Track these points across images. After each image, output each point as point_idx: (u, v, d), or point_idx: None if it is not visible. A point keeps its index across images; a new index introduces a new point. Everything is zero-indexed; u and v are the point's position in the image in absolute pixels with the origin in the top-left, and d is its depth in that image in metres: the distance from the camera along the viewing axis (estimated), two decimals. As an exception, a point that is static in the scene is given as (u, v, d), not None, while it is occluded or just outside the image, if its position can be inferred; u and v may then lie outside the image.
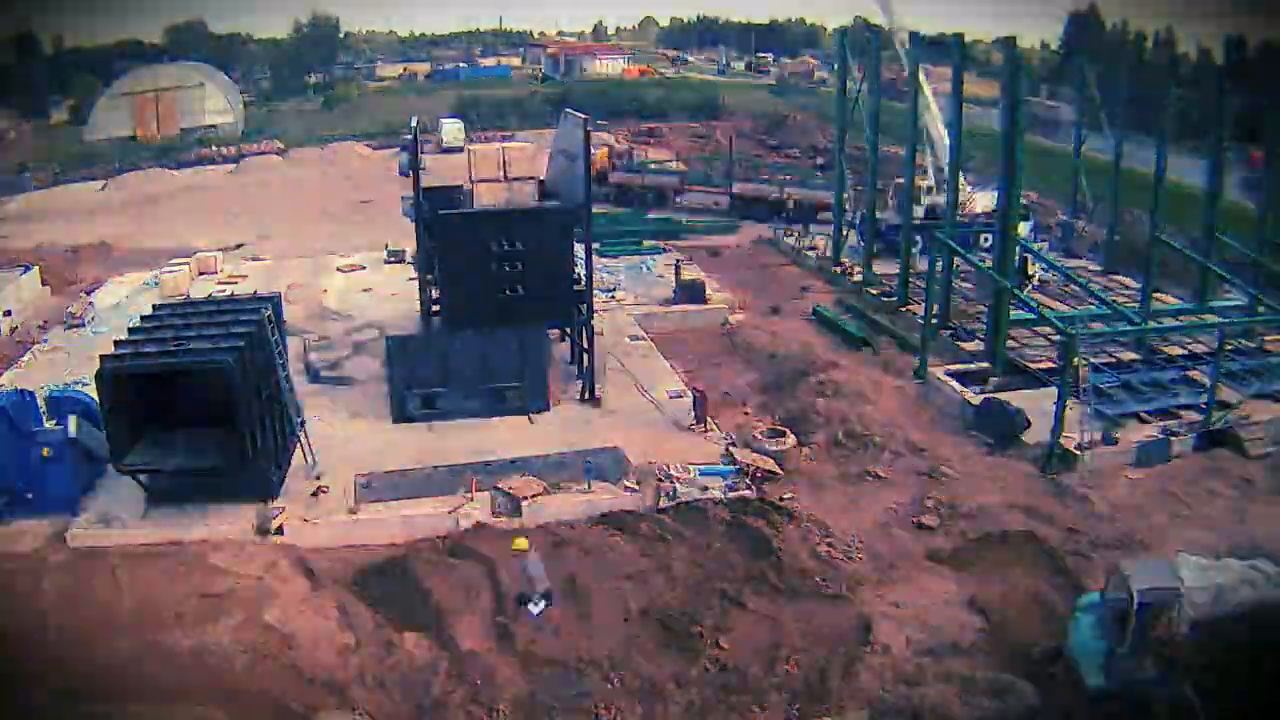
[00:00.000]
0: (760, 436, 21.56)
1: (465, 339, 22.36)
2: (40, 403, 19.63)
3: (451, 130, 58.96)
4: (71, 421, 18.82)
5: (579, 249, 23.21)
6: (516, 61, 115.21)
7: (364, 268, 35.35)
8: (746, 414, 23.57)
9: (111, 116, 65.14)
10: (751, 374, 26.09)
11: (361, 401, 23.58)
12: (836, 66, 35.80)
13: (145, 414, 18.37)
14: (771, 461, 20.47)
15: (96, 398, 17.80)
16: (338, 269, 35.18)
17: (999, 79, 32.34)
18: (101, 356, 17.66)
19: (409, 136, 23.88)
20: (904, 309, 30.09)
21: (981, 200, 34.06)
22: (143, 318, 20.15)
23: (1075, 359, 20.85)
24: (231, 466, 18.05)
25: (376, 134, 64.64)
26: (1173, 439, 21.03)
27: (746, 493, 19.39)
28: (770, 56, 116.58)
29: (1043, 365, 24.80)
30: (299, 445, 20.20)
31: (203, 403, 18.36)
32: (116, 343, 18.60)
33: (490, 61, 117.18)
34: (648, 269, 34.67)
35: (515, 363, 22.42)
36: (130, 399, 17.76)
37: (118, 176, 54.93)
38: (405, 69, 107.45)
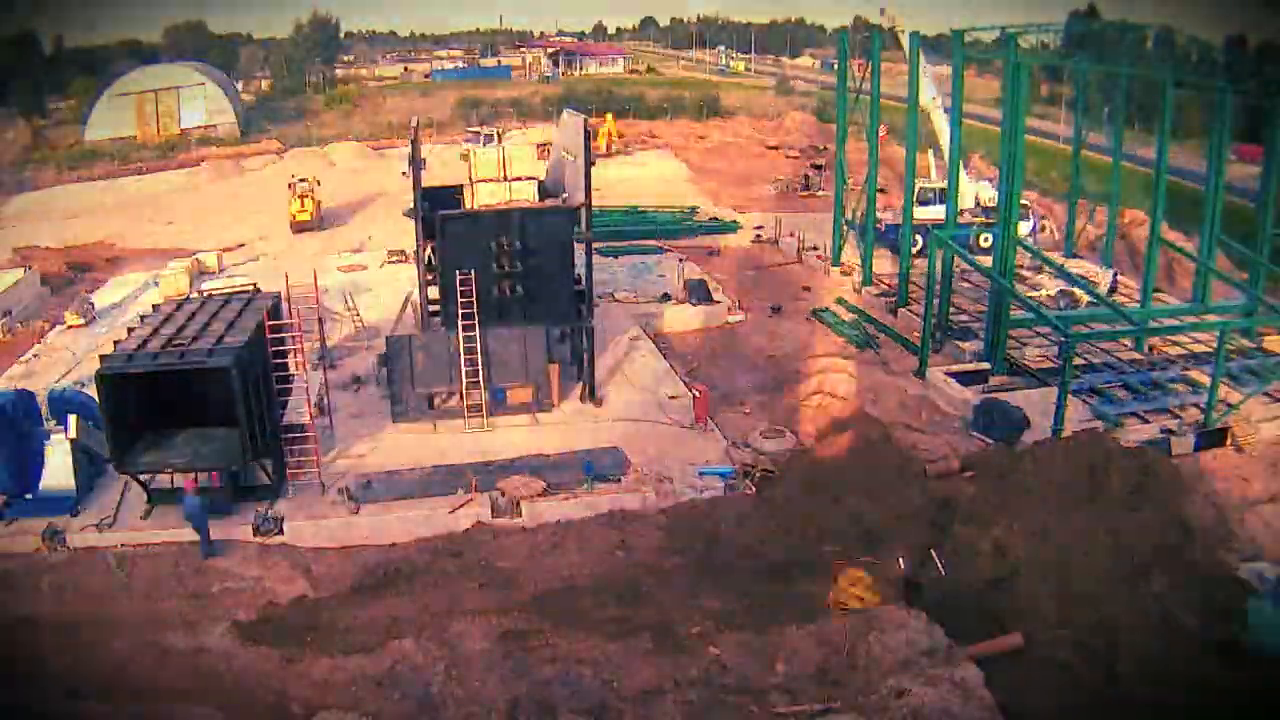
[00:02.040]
0: (760, 436, 21.58)
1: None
2: (40, 403, 19.63)
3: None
4: (71, 421, 18.83)
5: (579, 249, 23.20)
6: (517, 61, 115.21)
7: (365, 267, 35.37)
8: (747, 414, 23.58)
9: (111, 116, 65.09)
10: (751, 374, 26.09)
11: (362, 401, 23.59)
12: (837, 66, 35.75)
13: (146, 413, 18.37)
14: (766, 460, 20.52)
15: (96, 398, 17.76)
16: (338, 269, 35.19)
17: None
18: (101, 357, 17.64)
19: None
20: (904, 308, 30.09)
21: (985, 193, 34.12)
22: (142, 317, 20.07)
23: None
24: (233, 466, 18.05)
25: (376, 134, 64.65)
26: (1172, 438, 21.07)
27: (746, 493, 19.44)
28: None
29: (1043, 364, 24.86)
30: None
31: (204, 401, 18.38)
32: (116, 343, 18.56)
33: (490, 62, 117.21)
34: (648, 269, 34.66)
35: (516, 363, 22.42)
36: (131, 399, 17.73)
37: (120, 179, 54.88)
38: (405, 69, 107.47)
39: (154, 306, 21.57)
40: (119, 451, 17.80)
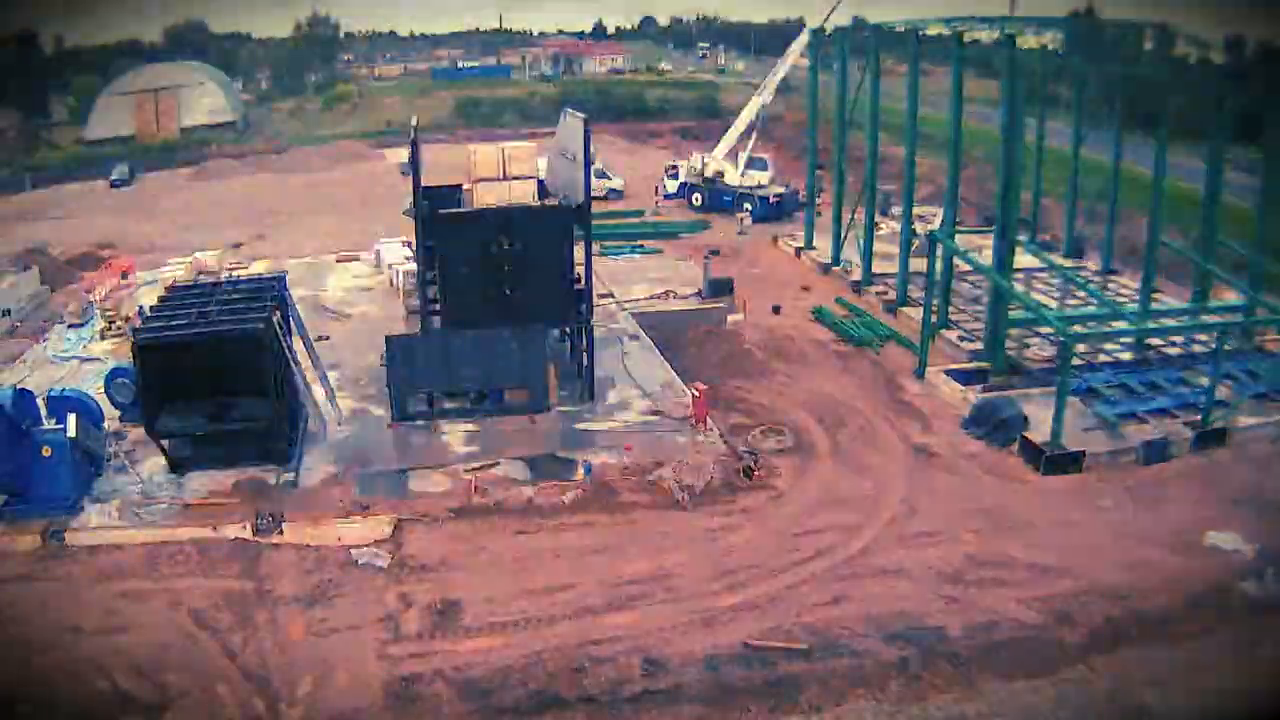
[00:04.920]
0: (759, 436, 21.60)
1: (465, 339, 22.38)
2: (40, 403, 19.62)
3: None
4: (71, 421, 18.80)
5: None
6: (516, 61, 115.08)
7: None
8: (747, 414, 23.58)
9: (111, 116, 65.14)
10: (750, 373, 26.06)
11: (361, 401, 23.59)
12: (837, 66, 35.77)
13: (172, 383, 19.16)
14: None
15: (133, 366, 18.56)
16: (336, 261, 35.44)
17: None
18: (134, 330, 18.91)
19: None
20: (902, 309, 30.09)
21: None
22: (161, 298, 21.08)
23: None
24: (262, 428, 19.07)
25: (376, 134, 64.69)
26: (1171, 438, 21.07)
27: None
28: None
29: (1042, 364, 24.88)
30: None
31: (215, 376, 19.11)
32: (144, 318, 19.67)
33: (490, 61, 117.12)
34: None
35: (515, 363, 22.43)
36: (157, 369, 18.67)
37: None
38: (405, 69, 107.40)
39: (173, 285, 22.76)
40: (151, 417, 18.81)
